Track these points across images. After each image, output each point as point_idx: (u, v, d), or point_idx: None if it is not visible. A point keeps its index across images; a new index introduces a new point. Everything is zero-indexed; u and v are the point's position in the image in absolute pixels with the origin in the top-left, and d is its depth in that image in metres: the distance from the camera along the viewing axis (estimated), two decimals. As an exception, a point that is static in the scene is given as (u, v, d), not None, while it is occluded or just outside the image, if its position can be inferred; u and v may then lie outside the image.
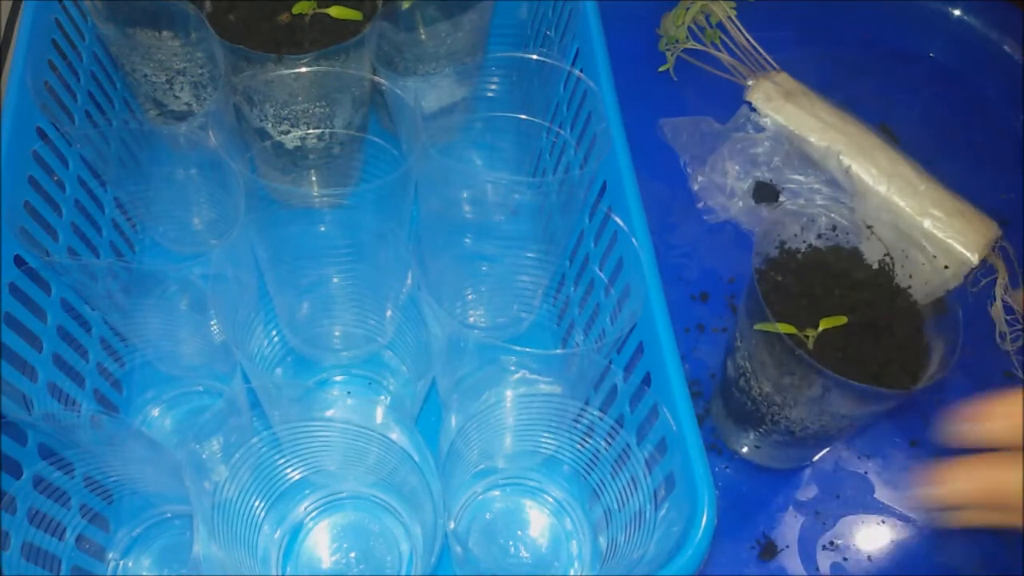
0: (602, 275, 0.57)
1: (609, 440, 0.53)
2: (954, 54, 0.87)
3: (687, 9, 0.82)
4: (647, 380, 0.50)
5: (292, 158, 0.64)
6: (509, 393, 0.54)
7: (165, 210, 0.66)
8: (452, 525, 0.47)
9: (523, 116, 0.64)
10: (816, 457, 0.63)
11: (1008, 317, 0.70)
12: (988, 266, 0.71)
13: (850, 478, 0.63)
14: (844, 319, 0.51)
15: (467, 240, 0.61)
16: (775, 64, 0.81)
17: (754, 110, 0.78)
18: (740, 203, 0.75)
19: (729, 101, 0.80)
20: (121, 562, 0.56)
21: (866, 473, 0.64)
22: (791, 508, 0.62)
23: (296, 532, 0.57)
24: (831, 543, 0.61)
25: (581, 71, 0.61)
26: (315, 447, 0.54)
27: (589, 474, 0.56)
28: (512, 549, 0.57)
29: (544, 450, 0.57)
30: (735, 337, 0.57)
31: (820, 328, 0.51)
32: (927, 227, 0.69)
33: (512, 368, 0.57)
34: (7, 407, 0.47)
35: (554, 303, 0.65)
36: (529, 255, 0.62)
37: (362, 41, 0.59)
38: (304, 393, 0.53)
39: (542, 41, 0.73)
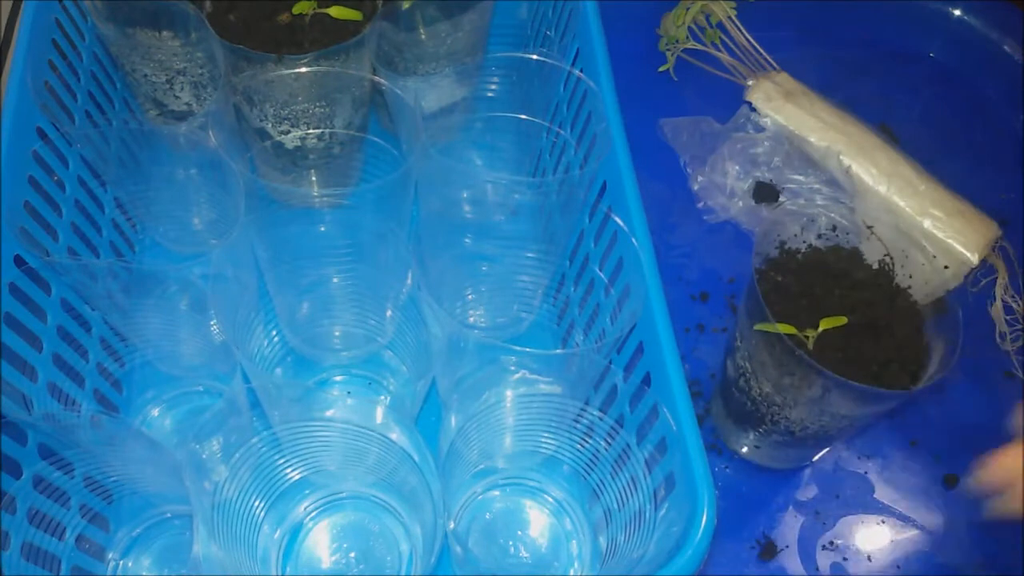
0: (602, 275, 0.57)
1: (609, 440, 0.53)
2: (954, 54, 0.87)
3: (687, 9, 0.82)
4: (647, 380, 0.50)
5: (292, 158, 0.64)
6: (509, 393, 0.54)
7: (165, 210, 0.66)
8: (452, 525, 0.47)
9: (523, 116, 0.64)
10: (816, 457, 0.63)
11: (1008, 317, 0.70)
12: (988, 266, 0.71)
13: (850, 478, 0.63)
14: (844, 319, 0.51)
15: (467, 240, 0.61)
16: (775, 64, 0.81)
17: (754, 110, 0.78)
18: (740, 203, 0.75)
19: (729, 101, 0.80)
20: (121, 562, 0.56)
21: (866, 473, 0.64)
22: (791, 508, 0.62)
23: (296, 532, 0.57)
24: (831, 543, 0.61)
25: (581, 71, 0.61)
26: (315, 447, 0.54)
27: (589, 474, 0.56)
28: (512, 549, 0.57)
29: (544, 450, 0.57)
30: (735, 337, 0.57)
31: (820, 328, 0.51)
32: (927, 227, 0.69)
33: (512, 368, 0.57)
34: (7, 407, 0.47)
35: (554, 303, 0.65)
36: (529, 255, 0.62)
37: (362, 41, 0.59)
38: (304, 393, 0.53)
39: (542, 41, 0.73)
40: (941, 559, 0.60)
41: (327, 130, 0.63)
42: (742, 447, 0.63)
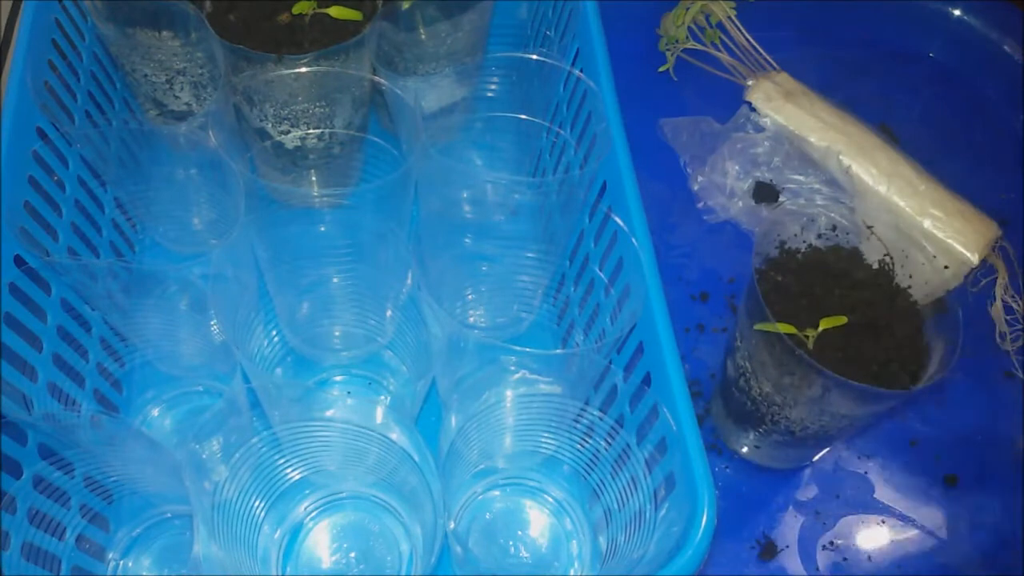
0: (602, 275, 0.57)
1: (609, 440, 0.53)
2: (954, 54, 0.87)
3: (687, 9, 0.82)
4: (647, 380, 0.50)
5: (292, 158, 0.64)
6: (509, 393, 0.54)
7: (165, 210, 0.66)
8: (452, 525, 0.47)
9: (523, 116, 0.64)
10: (816, 457, 0.63)
11: (1008, 317, 0.70)
12: (988, 266, 0.71)
13: (850, 478, 0.63)
14: (844, 319, 0.51)
15: (467, 240, 0.61)
16: (775, 64, 0.81)
17: (754, 110, 0.78)
18: (740, 203, 0.75)
19: (729, 101, 0.80)
20: (121, 562, 0.56)
21: (866, 473, 0.64)
22: (791, 508, 0.62)
23: (296, 532, 0.57)
24: (831, 543, 0.61)
25: (581, 71, 0.61)
26: (315, 447, 0.54)
27: (589, 474, 0.56)
28: (512, 549, 0.57)
29: (544, 450, 0.57)
30: (735, 337, 0.57)
31: (820, 328, 0.51)
32: (927, 227, 0.69)
33: (512, 368, 0.57)
34: (7, 407, 0.47)
35: (554, 303, 0.65)
36: (529, 255, 0.62)
37: (362, 41, 0.59)
38: (304, 393, 0.53)
39: (542, 41, 0.73)
40: (941, 559, 0.60)
41: (327, 130, 0.63)
42: (742, 447, 0.63)
